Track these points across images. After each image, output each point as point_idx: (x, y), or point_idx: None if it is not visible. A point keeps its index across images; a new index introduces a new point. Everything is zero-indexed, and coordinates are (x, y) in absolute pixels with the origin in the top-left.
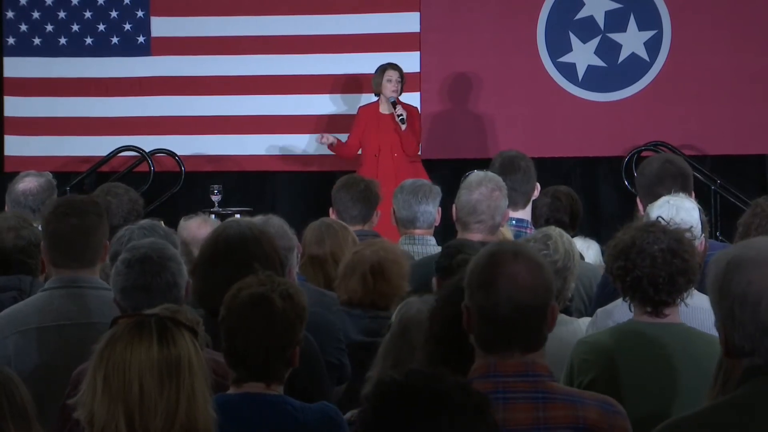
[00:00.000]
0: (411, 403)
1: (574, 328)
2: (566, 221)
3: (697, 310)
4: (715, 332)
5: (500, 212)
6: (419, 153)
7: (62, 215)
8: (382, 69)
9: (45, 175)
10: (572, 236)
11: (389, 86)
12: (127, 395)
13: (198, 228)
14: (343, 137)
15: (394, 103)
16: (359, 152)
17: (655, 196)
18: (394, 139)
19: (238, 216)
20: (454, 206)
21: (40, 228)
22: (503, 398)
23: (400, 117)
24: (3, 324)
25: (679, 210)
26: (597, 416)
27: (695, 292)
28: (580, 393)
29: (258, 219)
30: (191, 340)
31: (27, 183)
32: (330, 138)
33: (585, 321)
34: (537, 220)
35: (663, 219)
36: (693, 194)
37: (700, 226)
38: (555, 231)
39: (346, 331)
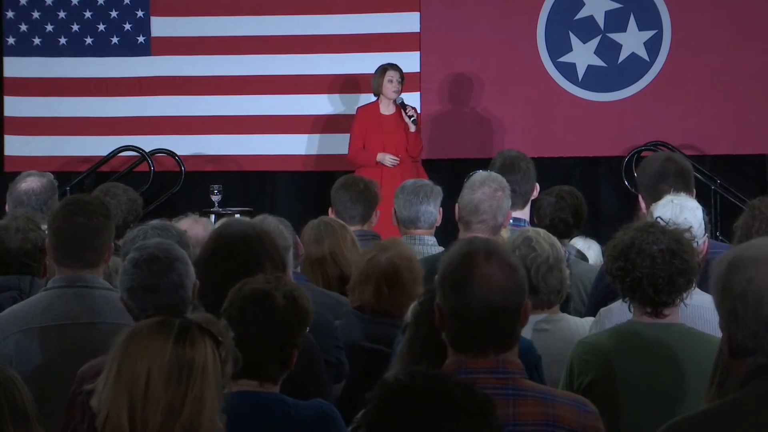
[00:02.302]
0: (415, 404)
1: (577, 328)
2: (570, 221)
3: (700, 308)
4: (717, 331)
5: (502, 213)
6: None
7: (70, 213)
8: (383, 69)
9: (47, 176)
10: (575, 236)
11: (390, 87)
12: (133, 387)
13: (189, 229)
14: (344, 137)
15: (403, 104)
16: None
17: (659, 194)
18: (398, 139)
19: (238, 216)
20: (456, 206)
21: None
22: None
23: (412, 118)
24: (4, 323)
25: (683, 209)
26: (569, 414)
27: (697, 290)
28: (552, 391)
29: (255, 219)
30: (212, 348)
31: (30, 183)
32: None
33: (587, 320)
34: (541, 220)
35: (662, 219)
36: (694, 192)
37: (703, 226)
38: (531, 231)
39: (352, 335)
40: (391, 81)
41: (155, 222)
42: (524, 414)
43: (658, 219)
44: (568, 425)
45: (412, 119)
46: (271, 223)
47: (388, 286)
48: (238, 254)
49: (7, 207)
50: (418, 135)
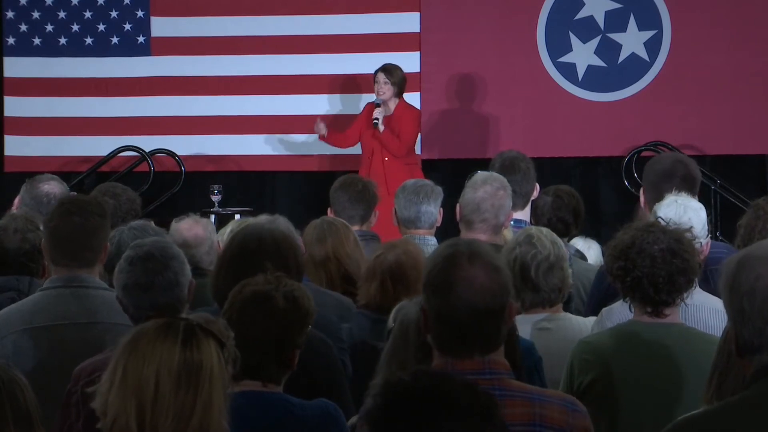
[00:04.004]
0: (418, 404)
1: (579, 327)
2: (569, 220)
3: (701, 308)
4: (718, 331)
5: (504, 212)
6: (417, 153)
7: (66, 213)
8: (375, 72)
9: (65, 185)
10: (574, 235)
11: (376, 87)
12: (141, 391)
13: (189, 229)
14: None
15: (378, 105)
16: (359, 151)
17: (660, 193)
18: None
19: (237, 216)
20: (458, 205)
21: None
22: None
23: (375, 121)
24: (2, 323)
25: (687, 209)
26: (556, 414)
27: (699, 290)
28: (540, 391)
29: (263, 219)
30: (216, 350)
31: (52, 186)
32: (322, 129)
33: (590, 320)
34: (539, 220)
35: (662, 219)
36: (696, 198)
37: (706, 227)
38: (533, 229)
39: (362, 334)
40: (377, 82)
41: (134, 222)
42: (511, 415)
43: (659, 219)
44: (556, 425)
45: (374, 122)
46: (282, 224)
47: (392, 283)
48: (256, 257)
49: (17, 200)
50: (391, 137)
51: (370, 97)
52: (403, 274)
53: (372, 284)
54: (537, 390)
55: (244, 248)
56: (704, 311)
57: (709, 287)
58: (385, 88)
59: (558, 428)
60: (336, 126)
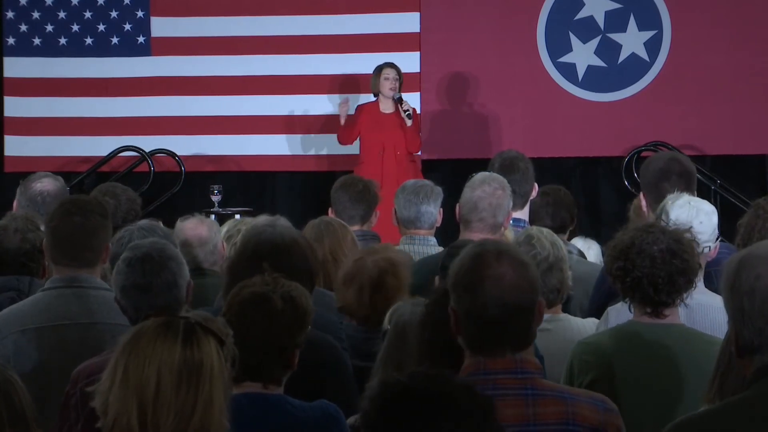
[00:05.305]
0: (415, 405)
1: (578, 328)
2: (565, 221)
3: (709, 308)
4: (720, 331)
5: (502, 212)
6: (419, 153)
7: (66, 213)
8: (379, 68)
9: (60, 180)
10: (574, 235)
11: (387, 84)
12: (142, 390)
13: (193, 229)
14: None
15: (400, 99)
16: (358, 151)
17: (660, 193)
18: (397, 137)
19: (237, 216)
20: (457, 206)
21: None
22: (492, 395)
23: (407, 112)
24: (2, 323)
25: (699, 213)
26: (588, 413)
27: (704, 290)
28: (571, 390)
29: (264, 219)
30: (216, 349)
31: (45, 184)
32: (345, 111)
33: (589, 321)
34: (534, 221)
35: (663, 220)
36: (695, 194)
37: (716, 231)
38: (534, 229)
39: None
40: (387, 78)
41: (143, 222)
42: (544, 414)
43: (661, 220)
44: (588, 423)
45: (407, 113)
46: (285, 224)
47: (371, 290)
48: (260, 262)
49: (15, 203)
50: (415, 130)
51: (369, 97)
52: (382, 283)
53: (349, 290)
54: (568, 389)
55: (256, 254)
56: (711, 310)
57: (711, 288)
58: (396, 84)
59: (590, 427)
60: (334, 127)
